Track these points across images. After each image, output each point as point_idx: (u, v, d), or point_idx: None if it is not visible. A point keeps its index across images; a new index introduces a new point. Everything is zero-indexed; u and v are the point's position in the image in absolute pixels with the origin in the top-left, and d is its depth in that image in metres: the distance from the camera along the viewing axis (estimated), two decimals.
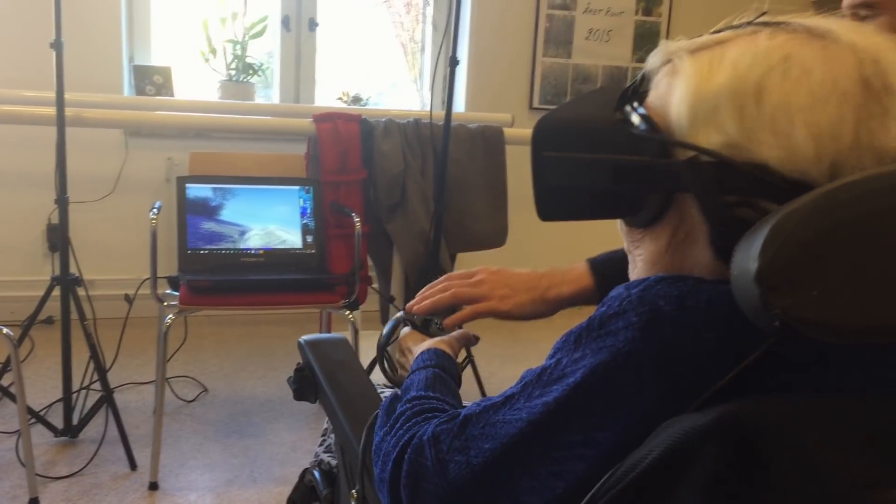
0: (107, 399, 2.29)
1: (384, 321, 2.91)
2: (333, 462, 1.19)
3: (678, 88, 0.69)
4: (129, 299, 2.37)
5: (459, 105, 3.82)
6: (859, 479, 0.50)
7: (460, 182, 2.74)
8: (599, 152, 0.70)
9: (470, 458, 0.72)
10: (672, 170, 0.67)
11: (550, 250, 4.00)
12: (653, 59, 0.76)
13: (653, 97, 0.73)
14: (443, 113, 2.58)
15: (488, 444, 0.71)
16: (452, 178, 2.69)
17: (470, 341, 1.06)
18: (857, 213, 0.54)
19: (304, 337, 1.13)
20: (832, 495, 0.51)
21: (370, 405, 1.00)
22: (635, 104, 0.73)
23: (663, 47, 0.76)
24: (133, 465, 2.25)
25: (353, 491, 0.98)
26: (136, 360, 2.99)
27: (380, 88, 4.01)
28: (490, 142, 2.81)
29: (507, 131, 2.89)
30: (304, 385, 1.08)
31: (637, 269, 0.77)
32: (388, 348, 1.09)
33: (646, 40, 3.95)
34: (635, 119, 0.71)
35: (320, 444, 1.26)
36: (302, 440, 2.49)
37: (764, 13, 0.74)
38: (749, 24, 0.72)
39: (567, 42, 3.86)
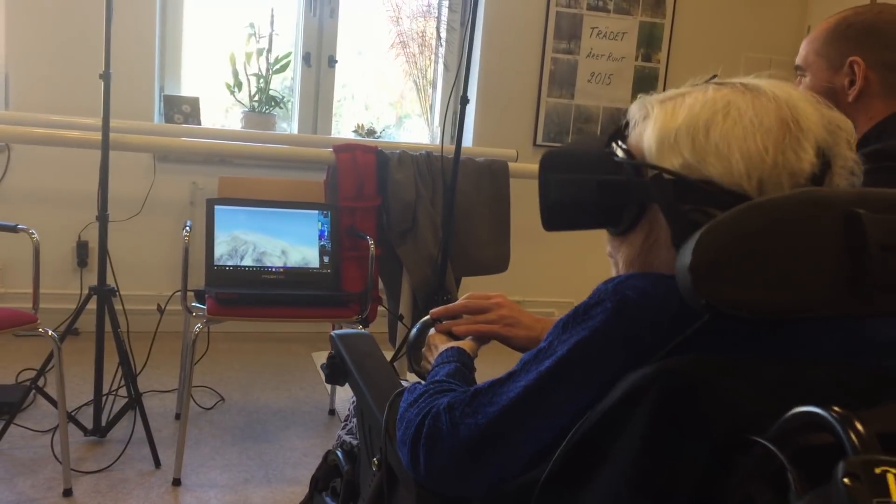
0: (136, 402, 2.47)
1: (392, 340, 3.11)
2: (354, 442, 1.38)
3: (650, 127, 0.90)
4: (160, 309, 2.57)
5: (468, 140, 4.04)
6: (758, 409, 0.69)
7: (467, 211, 2.96)
8: (589, 174, 0.91)
9: (477, 420, 0.91)
10: (643, 185, 0.88)
11: (548, 277, 4.20)
12: (633, 109, 0.97)
13: (631, 136, 0.94)
14: (453, 147, 2.80)
15: (492, 408, 0.90)
16: (460, 207, 2.90)
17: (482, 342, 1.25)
18: (764, 224, 0.73)
19: (336, 331, 1.33)
20: (742, 420, 0.69)
21: (392, 386, 1.19)
22: (619, 141, 0.94)
23: (640, 100, 0.97)
24: (157, 464, 2.43)
25: (375, 459, 1.17)
26: (157, 370, 3.17)
27: (392, 122, 4.24)
28: (496, 175, 3.03)
29: (512, 166, 3.10)
30: (336, 370, 1.27)
31: (618, 270, 0.97)
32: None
33: (645, 84, 4.18)
34: (619, 151, 0.93)
35: (343, 428, 1.44)
36: (313, 447, 2.67)
37: (715, 76, 0.96)
38: (704, 83, 0.94)
39: (570, 84, 4.10)
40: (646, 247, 0.91)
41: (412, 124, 4.25)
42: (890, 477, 0.54)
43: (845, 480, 0.55)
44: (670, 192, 0.85)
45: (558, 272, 4.21)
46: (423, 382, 1.10)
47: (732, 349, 0.78)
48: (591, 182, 0.90)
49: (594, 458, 0.77)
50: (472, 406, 0.92)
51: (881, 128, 1.45)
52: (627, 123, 0.96)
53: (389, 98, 4.24)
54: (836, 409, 0.60)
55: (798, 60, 1.56)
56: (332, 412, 2.97)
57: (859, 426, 0.58)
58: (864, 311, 0.74)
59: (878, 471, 0.55)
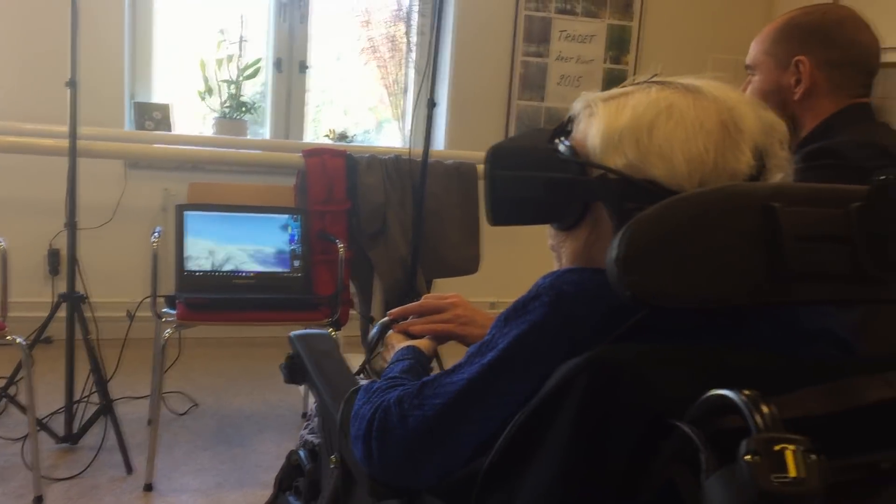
0: (107, 408, 2.47)
1: (364, 342, 3.13)
2: (316, 441, 1.40)
3: (594, 126, 0.93)
4: (130, 315, 2.57)
5: (439, 143, 4.07)
6: (681, 395, 0.71)
7: (437, 214, 2.98)
8: (536, 172, 0.93)
9: (425, 411, 0.93)
10: (589, 184, 0.91)
11: (519, 278, 4.23)
12: (576, 106, 1.00)
13: (575, 132, 0.97)
14: (422, 150, 2.83)
15: (438, 400, 0.93)
16: (429, 209, 2.93)
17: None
18: (686, 218, 0.76)
19: (294, 332, 1.35)
20: (663, 402, 0.72)
21: (347, 385, 1.22)
22: (563, 138, 0.97)
23: (584, 97, 1.00)
24: (129, 469, 2.43)
25: (333, 456, 1.19)
26: (130, 377, 3.17)
27: (365, 127, 4.26)
28: (465, 177, 3.06)
29: (481, 168, 3.13)
30: (294, 370, 1.30)
31: (561, 263, 1.00)
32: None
33: (614, 86, 4.20)
34: (562, 148, 0.95)
35: (305, 428, 1.47)
36: (286, 450, 2.64)
37: (656, 74, 0.99)
38: (644, 82, 0.97)
39: (540, 86, 4.14)
40: (590, 242, 0.95)
41: (384, 129, 4.27)
42: (788, 454, 0.58)
43: (747, 458, 0.58)
44: (615, 192, 0.88)
45: (530, 273, 4.21)
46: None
47: (671, 340, 0.81)
48: (539, 180, 0.92)
49: (529, 448, 0.80)
50: (420, 398, 0.95)
51: (826, 125, 1.49)
52: (571, 119, 0.99)
53: (369, 103, 4.26)
54: (745, 392, 0.63)
55: (748, 60, 1.60)
56: (305, 415, 2.99)
57: (764, 408, 0.62)
58: (782, 300, 0.77)
59: (777, 448, 0.58)
